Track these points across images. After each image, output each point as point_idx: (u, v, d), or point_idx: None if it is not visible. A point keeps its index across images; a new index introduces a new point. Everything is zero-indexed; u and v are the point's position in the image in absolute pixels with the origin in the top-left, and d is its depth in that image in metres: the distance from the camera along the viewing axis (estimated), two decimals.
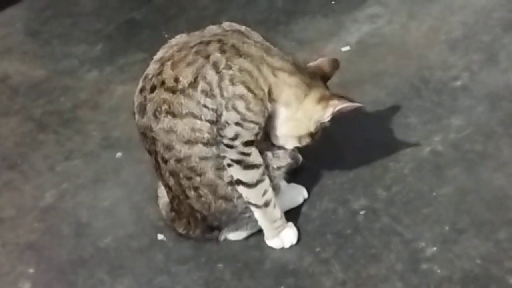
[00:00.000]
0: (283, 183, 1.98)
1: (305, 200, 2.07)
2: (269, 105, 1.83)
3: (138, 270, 1.97)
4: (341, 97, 1.87)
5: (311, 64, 1.97)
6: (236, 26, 1.91)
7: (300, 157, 2.12)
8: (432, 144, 2.18)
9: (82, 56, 2.79)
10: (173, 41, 1.90)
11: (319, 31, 2.72)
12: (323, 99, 1.87)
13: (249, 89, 1.79)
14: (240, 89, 1.78)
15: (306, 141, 1.92)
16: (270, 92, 1.82)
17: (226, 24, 1.91)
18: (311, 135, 1.91)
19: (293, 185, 2.07)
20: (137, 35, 2.84)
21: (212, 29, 1.90)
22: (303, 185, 2.08)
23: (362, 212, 2.02)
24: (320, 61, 1.98)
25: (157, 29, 2.85)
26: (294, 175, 2.07)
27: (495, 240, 1.89)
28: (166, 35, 2.65)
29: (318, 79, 1.91)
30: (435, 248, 1.90)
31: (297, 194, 2.07)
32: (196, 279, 1.93)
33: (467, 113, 2.26)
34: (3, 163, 2.37)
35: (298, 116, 1.88)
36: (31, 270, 2.01)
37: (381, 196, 2.05)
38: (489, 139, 2.16)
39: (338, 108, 1.86)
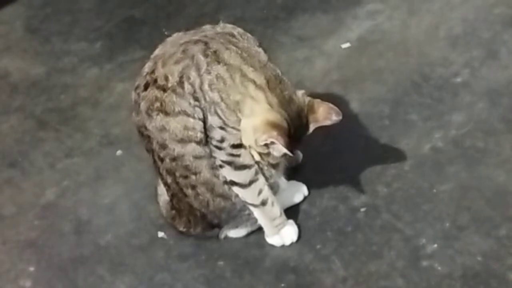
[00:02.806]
0: (282, 181, 1.97)
1: (305, 198, 2.07)
2: (240, 115, 1.78)
3: (139, 268, 1.97)
4: (287, 138, 1.74)
5: (309, 98, 1.81)
6: (229, 28, 1.87)
7: (300, 155, 2.11)
8: (433, 141, 2.18)
9: (82, 54, 2.78)
10: (169, 39, 1.90)
11: (319, 28, 2.71)
12: (270, 125, 1.74)
13: (222, 99, 1.76)
14: (216, 97, 1.77)
15: (256, 155, 1.83)
16: (239, 103, 1.77)
17: (220, 26, 1.88)
18: (259, 153, 1.83)
19: (293, 182, 2.07)
20: (136, 32, 2.84)
21: (206, 29, 1.88)
22: (303, 182, 2.08)
23: (362, 209, 2.02)
24: (318, 103, 1.81)
25: (156, 26, 2.84)
26: (294, 172, 2.07)
27: (496, 237, 1.89)
28: (166, 33, 2.66)
29: (291, 109, 1.77)
30: (435, 245, 1.90)
31: (297, 191, 2.07)
32: (197, 276, 1.93)
33: (467, 109, 2.26)
34: (4, 160, 2.36)
35: (247, 128, 1.78)
36: (32, 268, 2.01)
37: (382, 193, 2.05)
38: (490, 136, 2.16)
39: (272, 140, 1.73)
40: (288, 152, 1.76)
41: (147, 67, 1.85)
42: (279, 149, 1.77)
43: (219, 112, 1.77)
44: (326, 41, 2.63)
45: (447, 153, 2.14)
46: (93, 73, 2.68)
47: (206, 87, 1.76)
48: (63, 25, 2.96)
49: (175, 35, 1.90)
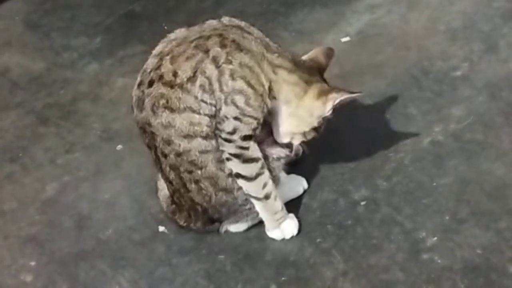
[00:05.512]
0: (282, 174, 1.98)
1: (305, 191, 2.07)
2: (268, 101, 1.83)
3: (139, 262, 1.98)
4: (339, 89, 1.89)
5: (306, 56, 1.97)
6: (235, 21, 1.90)
7: (300, 148, 2.11)
8: (432, 135, 2.18)
9: (82, 49, 2.78)
10: (172, 36, 1.89)
11: (319, 22, 2.71)
12: (323, 94, 1.87)
13: (249, 84, 1.79)
14: (240, 84, 1.78)
15: (311, 135, 1.94)
16: (270, 89, 1.83)
17: (225, 19, 1.91)
18: (316, 129, 1.93)
19: (293, 176, 2.07)
20: (136, 27, 2.84)
21: (212, 23, 1.89)
22: (303, 176, 2.09)
23: (362, 203, 2.02)
24: (314, 52, 1.97)
25: (156, 21, 2.84)
26: (294, 166, 2.07)
27: (496, 230, 1.90)
28: (165, 27, 2.67)
29: (316, 73, 1.91)
30: (435, 238, 1.90)
31: (297, 185, 2.07)
32: (197, 270, 1.93)
33: (467, 103, 2.26)
34: (4, 156, 2.37)
35: (300, 113, 1.89)
36: (33, 263, 2.02)
37: (382, 186, 2.06)
38: (489, 129, 2.17)
39: (337, 101, 1.87)
40: (357, 93, 1.90)
41: (150, 64, 1.85)
42: (340, 103, 1.88)
43: (240, 100, 1.79)
44: (326, 35, 2.64)
45: (447, 146, 2.14)
46: (93, 68, 2.69)
47: (226, 77, 1.78)
48: (63, 20, 2.96)
49: (177, 31, 1.90)
